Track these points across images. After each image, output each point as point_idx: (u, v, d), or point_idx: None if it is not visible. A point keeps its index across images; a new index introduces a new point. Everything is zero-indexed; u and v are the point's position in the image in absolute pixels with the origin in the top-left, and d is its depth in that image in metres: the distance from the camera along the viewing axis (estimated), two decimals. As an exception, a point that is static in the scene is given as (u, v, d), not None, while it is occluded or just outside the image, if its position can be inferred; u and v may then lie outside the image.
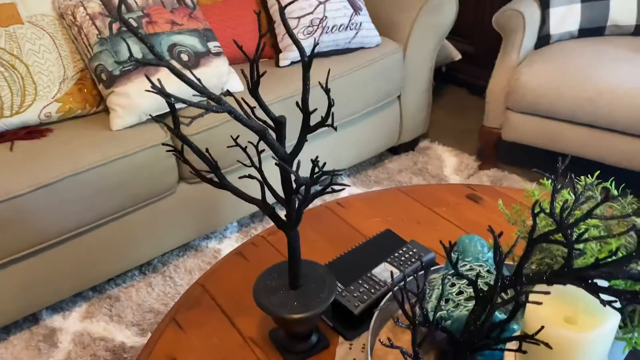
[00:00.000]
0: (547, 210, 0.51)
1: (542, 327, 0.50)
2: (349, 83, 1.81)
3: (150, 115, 1.08)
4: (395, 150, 2.21)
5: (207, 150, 0.65)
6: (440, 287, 0.77)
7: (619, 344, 0.65)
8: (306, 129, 0.62)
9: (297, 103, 0.62)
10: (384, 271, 0.91)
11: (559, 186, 0.54)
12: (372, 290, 0.87)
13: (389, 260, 0.94)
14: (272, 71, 1.76)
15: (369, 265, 0.92)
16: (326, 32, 1.77)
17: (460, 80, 2.59)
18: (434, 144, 2.25)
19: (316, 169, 0.61)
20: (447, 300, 0.73)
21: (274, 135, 0.64)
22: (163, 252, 1.67)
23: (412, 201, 1.16)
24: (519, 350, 0.55)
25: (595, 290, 0.50)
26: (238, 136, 0.68)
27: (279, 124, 0.63)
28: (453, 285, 0.74)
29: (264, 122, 0.61)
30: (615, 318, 0.50)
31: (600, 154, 1.77)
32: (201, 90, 0.57)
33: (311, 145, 1.84)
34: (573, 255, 0.51)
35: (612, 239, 0.60)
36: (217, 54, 1.61)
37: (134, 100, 1.47)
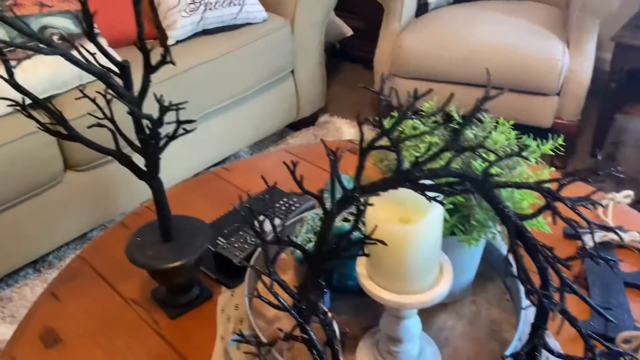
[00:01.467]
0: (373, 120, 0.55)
1: (376, 227, 0.54)
2: (238, 59, 1.81)
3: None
4: (295, 126, 2.24)
5: (49, 101, 0.64)
6: (311, 222, 0.81)
7: (467, 248, 0.71)
8: (148, 69, 0.62)
9: (134, 43, 0.62)
10: (264, 221, 0.93)
11: (404, 112, 0.58)
12: (253, 240, 0.89)
13: (269, 211, 0.96)
14: (157, 51, 1.73)
15: (251, 219, 0.94)
16: (209, 9, 1.76)
17: (354, 55, 2.67)
18: (333, 117, 2.31)
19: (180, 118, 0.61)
20: (315, 233, 0.77)
21: (120, 82, 0.64)
22: (57, 246, 1.60)
23: (297, 159, 1.19)
24: (362, 254, 0.59)
25: (421, 189, 0.55)
26: (85, 86, 0.67)
27: (123, 68, 0.63)
28: (321, 219, 0.78)
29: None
30: (438, 210, 0.55)
31: (480, 111, 1.90)
32: (30, 33, 0.56)
33: (208, 124, 1.83)
34: (401, 160, 0.55)
35: (428, 137, 0.66)
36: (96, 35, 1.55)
37: None
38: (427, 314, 0.77)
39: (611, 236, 0.87)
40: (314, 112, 2.23)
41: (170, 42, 1.75)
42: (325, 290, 0.76)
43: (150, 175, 0.69)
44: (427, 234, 0.55)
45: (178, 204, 0.94)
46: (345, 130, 2.24)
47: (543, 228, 0.67)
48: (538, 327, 0.57)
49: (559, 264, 0.55)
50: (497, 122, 0.73)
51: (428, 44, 1.88)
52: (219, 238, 0.90)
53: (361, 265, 0.62)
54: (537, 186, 0.55)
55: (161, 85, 1.64)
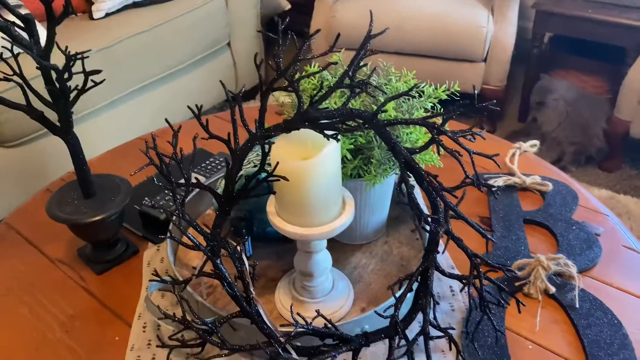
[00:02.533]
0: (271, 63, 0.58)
1: (277, 163, 0.58)
2: (171, 31, 1.80)
3: None
4: (235, 100, 2.24)
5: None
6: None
7: (376, 190, 0.76)
8: (52, 22, 0.63)
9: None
10: (191, 179, 0.96)
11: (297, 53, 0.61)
12: (178, 197, 0.92)
13: (196, 170, 0.99)
14: (86, 24, 1.70)
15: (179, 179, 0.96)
16: (139, -20, 1.73)
17: (293, 29, 2.68)
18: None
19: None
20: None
21: (26, 35, 0.64)
22: (-11, 225, 1.57)
23: (224, 122, 1.21)
24: (269, 192, 0.63)
25: (320, 128, 0.59)
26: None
27: (28, 21, 0.63)
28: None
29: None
30: (332, 146, 0.59)
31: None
32: None
33: (143, 98, 1.81)
34: (301, 101, 0.59)
35: (326, 78, 0.71)
36: (17, 7, 1.51)
37: None
38: (343, 255, 0.82)
39: (514, 179, 0.95)
40: (254, 86, 2.24)
41: (99, 15, 1.72)
42: (246, 236, 0.80)
43: (63, 129, 0.70)
44: (323, 169, 0.59)
45: (106, 169, 0.95)
46: (285, 100, 2.26)
47: (435, 163, 0.73)
48: (430, 250, 0.62)
49: (444, 191, 0.60)
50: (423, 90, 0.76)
51: (360, 13, 1.92)
52: (145, 198, 0.92)
53: (271, 205, 0.65)
54: (423, 121, 0.60)
55: (92, 57, 1.61)
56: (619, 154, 1.90)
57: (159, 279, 0.64)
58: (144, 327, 0.73)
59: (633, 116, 1.75)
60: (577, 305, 0.72)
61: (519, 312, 0.67)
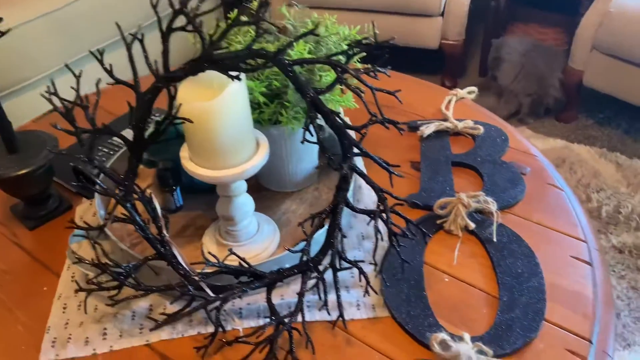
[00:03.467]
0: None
1: (180, 105, 0.59)
2: None
3: None
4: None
5: None
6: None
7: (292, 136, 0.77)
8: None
9: None
10: (126, 134, 0.96)
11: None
12: (112, 153, 0.92)
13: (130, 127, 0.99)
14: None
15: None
16: (83, -60, 1.68)
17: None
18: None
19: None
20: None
21: None
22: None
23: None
24: (178, 137, 0.63)
25: (223, 68, 0.59)
26: None
27: None
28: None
29: None
30: (235, 86, 0.59)
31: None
32: None
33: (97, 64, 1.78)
34: (203, 40, 0.59)
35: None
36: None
37: None
38: (274, 202, 0.83)
39: (446, 125, 0.96)
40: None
41: (44, -24, 1.67)
42: (174, 187, 0.81)
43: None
44: (228, 108, 0.59)
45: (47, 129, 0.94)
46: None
47: (349, 105, 0.74)
48: (340, 188, 0.64)
49: (348, 129, 0.61)
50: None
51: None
52: (82, 155, 0.92)
53: (184, 150, 0.66)
54: (328, 60, 0.61)
55: (39, 20, 1.58)
56: (575, 105, 1.93)
57: (73, 224, 0.65)
58: (72, 277, 0.74)
59: (586, 65, 1.77)
60: (495, 239, 0.75)
61: (425, 243, 0.69)
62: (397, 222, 0.64)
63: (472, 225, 0.76)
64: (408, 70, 1.18)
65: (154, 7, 0.55)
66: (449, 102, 1.04)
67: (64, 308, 0.70)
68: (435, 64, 2.12)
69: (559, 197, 0.84)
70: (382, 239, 0.65)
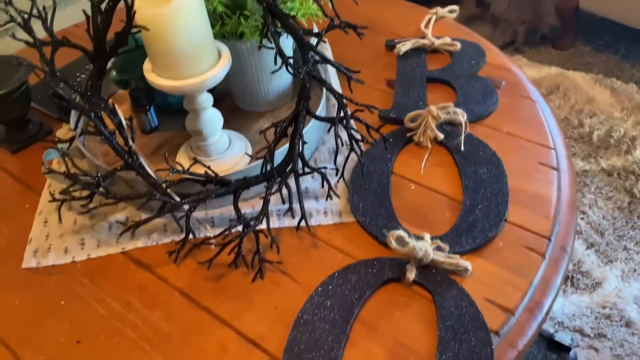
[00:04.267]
0: None
1: (134, 12, 0.59)
2: None
3: None
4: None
5: None
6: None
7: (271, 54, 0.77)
8: None
9: None
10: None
11: None
12: (45, 55, 0.93)
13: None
14: None
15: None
16: None
17: None
18: None
19: None
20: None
21: None
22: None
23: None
24: (137, 48, 0.64)
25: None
26: None
27: None
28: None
29: None
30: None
31: None
32: None
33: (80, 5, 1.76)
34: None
35: None
36: None
37: None
38: (249, 122, 0.85)
39: (423, 42, 0.95)
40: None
41: None
42: (147, 107, 0.82)
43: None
44: (182, 15, 0.59)
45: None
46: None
47: (318, 16, 0.73)
48: (302, 96, 0.65)
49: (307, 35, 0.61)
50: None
51: None
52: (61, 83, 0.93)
53: (147, 63, 0.67)
54: (283, -38, 0.60)
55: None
56: (572, 32, 1.88)
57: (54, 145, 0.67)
58: (52, 193, 0.76)
59: (583, -12, 1.71)
60: (462, 149, 0.76)
61: (386, 148, 0.70)
62: (360, 130, 0.65)
63: (440, 136, 0.77)
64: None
65: None
66: (429, 20, 1.02)
67: (45, 222, 0.73)
68: None
69: (532, 108, 0.84)
70: (342, 144, 0.66)
